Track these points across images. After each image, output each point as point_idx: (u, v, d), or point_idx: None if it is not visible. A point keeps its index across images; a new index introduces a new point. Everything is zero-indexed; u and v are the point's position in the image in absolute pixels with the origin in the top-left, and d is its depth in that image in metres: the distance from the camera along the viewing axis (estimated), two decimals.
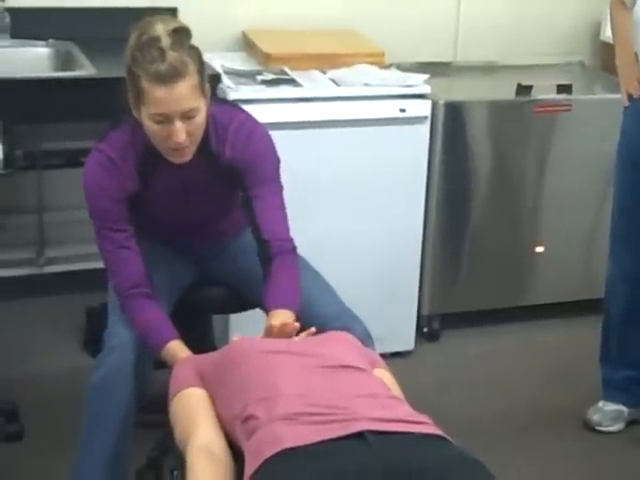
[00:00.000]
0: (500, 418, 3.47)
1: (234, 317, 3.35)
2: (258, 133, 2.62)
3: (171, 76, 2.31)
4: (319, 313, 2.61)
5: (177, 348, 2.49)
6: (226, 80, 3.47)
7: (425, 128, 3.65)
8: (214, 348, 2.78)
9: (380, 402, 2.01)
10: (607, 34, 4.09)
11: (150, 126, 2.40)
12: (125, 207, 2.56)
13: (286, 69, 3.61)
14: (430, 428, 1.94)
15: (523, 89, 3.85)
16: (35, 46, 3.67)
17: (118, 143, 2.54)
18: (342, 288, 2.77)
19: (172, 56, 2.31)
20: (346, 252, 3.63)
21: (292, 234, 2.63)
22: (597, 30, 4.47)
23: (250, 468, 1.85)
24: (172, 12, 3.69)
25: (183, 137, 2.39)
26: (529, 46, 4.40)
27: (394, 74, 3.75)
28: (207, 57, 2.55)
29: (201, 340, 2.87)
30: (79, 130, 3.26)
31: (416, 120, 3.62)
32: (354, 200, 3.61)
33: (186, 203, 2.65)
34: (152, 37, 2.33)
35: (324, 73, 3.66)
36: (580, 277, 4.13)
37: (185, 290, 2.82)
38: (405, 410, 2.02)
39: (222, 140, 2.56)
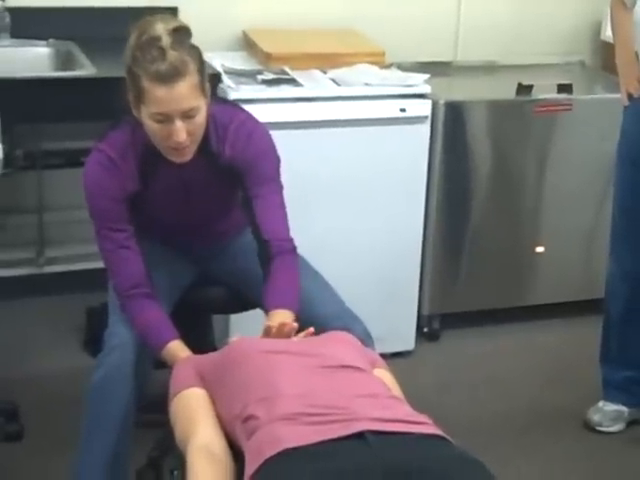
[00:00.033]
0: (500, 418, 3.47)
1: (234, 317, 3.35)
2: (258, 133, 2.62)
3: (171, 75, 2.31)
4: (319, 313, 2.61)
5: (177, 348, 2.49)
6: (226, 80, 3.47)
7: (425, 128, 3.65)
8: (214, 348, 2.78)
9: (380, 402, 2.01)
10: (607, 34, 4.09)
11: (150, 125, 2.40)
12: (125, 207, 2.55)
13: (286, 69, 3.61)
14: (430, 428, 1.94)
15: (523, 89, 3.85)
16: (35, 46, 3.67)
17: (118, 143, 2.54)
18: (342, 288, 2.77)
19: (172, 55, 2.31)
20: (346, 252, 3.63)
21: (292, 234, 2.63)
22: (597, 30, 4.47)
23: (250, 468, 1.85)
24: (172, 11, 3.68)
25: (183, 137, 2.39)
26: (529, 46, 4.39)
27: (394, 74, 3.75)
28: (207, 57, 2.55)
29: (201, 340, 2.87)
30: (79, 130, 3.26)
31: (416, 120, 3.62)
32: (354, 200, 3.61)
33: (186, 203, 2.65)
34: (152, 36, 2.33)
35: (324, 73, 3.66)
36: (580, 277, 4.13)
37: (185, 290, 2.82)
38: (405, 410, 2.02)
39: (222, 140, 2.56)
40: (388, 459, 1.81)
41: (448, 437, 1.93)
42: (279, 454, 1.81)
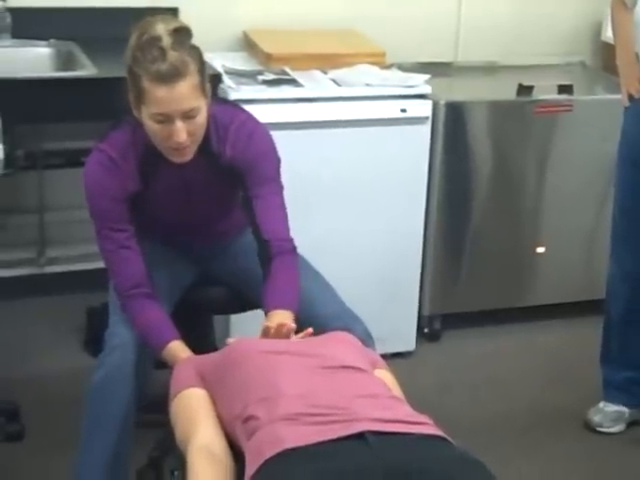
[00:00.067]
0: (501, 419, 3.47)
1: (235, 317, 3.35)
2: (259, 133, 2.62)
3: (172, 76, 2.31)
4: (319, 313, 2.61)
5: (178, 348, 2.49)
6: (227, 80, 3.47)
7: (426, 128, 3.66)
8: (215, 348, 2.78)
9: (381, 402, 2.01)
10: (608, 34, 4.09)
11: (151, 126, 2.40)
12: (126, 207, 2.56)
13: (287, 69, 3.61)
14: (431, 429, 1.94)
15: (524, 89, 3.85)
16: (36, 46, 3.67)
17: (119, 143, 2.54)
18: (343, 288, 2.77)
19: (173, 56, 2.31)
20: (347, 252, 3.63)
21: (293, 234, 2.63)
22: (598, 30, 4.47)
23: (251, 468, 1.85)
24: (173, 12, 3.68)
25: (184, 137, 2.39)
26: (530, 46, 4.40)
27: (395, 74, 3.75)
28: (208, 57, 2.55)
29: (202, 340, 2.87)
30: (80, 130, 3.26)
31: (417, 120, 3.62)
32: (355, 200, 3.61)
33: (187, 203, 2.65)
34: (153, 37, 2.33)
35: (325, 73, 3.66)
36: (581, 278, 4.13)
37: (186, 290, 2.82)
38: (406, 410, 2.02)
39: (223, 140, 2.56)
40: (388, 459, 1.81)
41: (449, 437, 1.93)
42: (279, 454, 1.81)
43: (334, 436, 1.85)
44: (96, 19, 3.73)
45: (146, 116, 2.39)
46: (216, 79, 3.38)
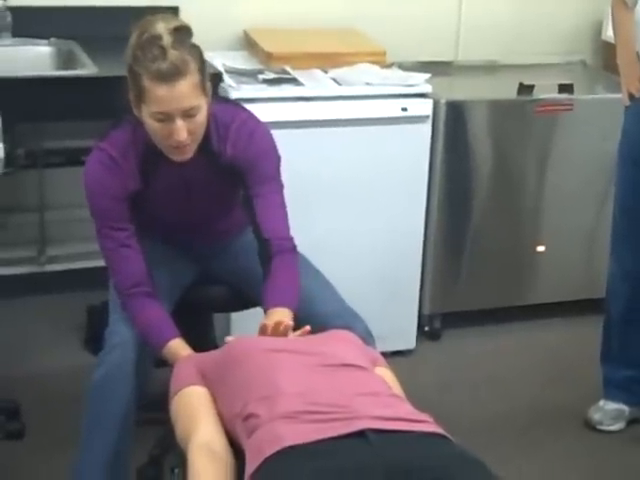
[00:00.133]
0: (501, 417, 3.47)
1: (235, 316, 3.35)
2: (259, 132, 2.62)
3: (172, 74, 2.31)
4: (320, 311, 2.61)
5: (178, 346, 2.49)
6: (227, 79, 3.47)
7: (426, 127, 3.66)
8: (215, 346, 2.77)
9: (381, 401, 2.01)
10: (609, 33, 4.09)
11: (151, 124, 2.40)
12: (126, 206, 2.56)
13: (287, 68, 3.61)
14: (431, 427, 1.94)
15: (524, 88, 3.85)
16: (37, 45, 3.67)
17: (119, 142, 2.54)
18: (343, 287, 2.77)
19: (173, 54, 2.31)
20: (347, 251, 3.63)
21: (293, 233, 2.63)
22: (599, 29, 4.47)
23: (251, 466, 1.85)
24: (174, 11, 3.68)
25: (184, 135, 2.39)
26: (531, 45, 4.40)
27: (396, 73, 3.75)
28: (208, 56, 2.56)
29: (202, 338, 2.87)
30: (80, 129, 3.26)
31: (417, 119, 3.62)
32: (355, 199, 3.61)
33: (187, 201, 2.65)
34: (153, 35, 2.33)
35: (325, 72, 3.66)
36: (581, 276, 4.13)
37: (186, 289, 2.82)
38: (406, 409, 2.02)
39: (223, 139, 2.56)
40: (389, 457, 1.81)
41: (449, 436, 1.93)
42: (279, 452, 1.82)
43: (334, 434, 1.85)
44: (96, 18, 3.73)
45: (146, 115, 2.39)
46: (217, 78, 3.38)
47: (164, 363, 2.51)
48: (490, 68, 4.28)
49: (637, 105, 3.21)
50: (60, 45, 3.66)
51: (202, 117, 2.42)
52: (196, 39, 2.41)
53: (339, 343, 2.25)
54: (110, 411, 2.50)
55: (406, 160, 3.65)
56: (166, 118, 2.37)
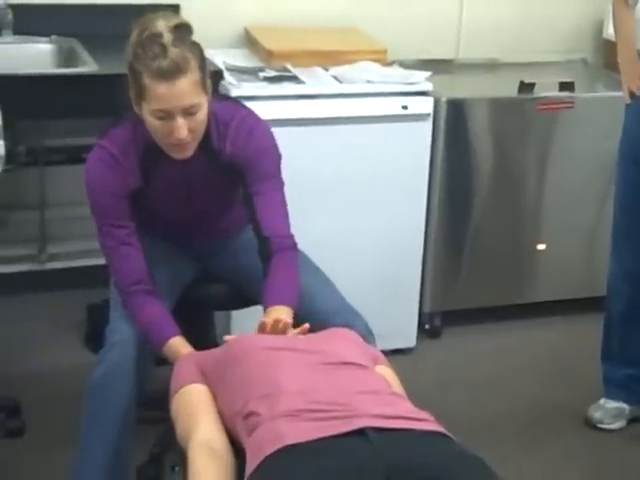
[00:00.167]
0: (501, 415, 3.47)
1: (235, 314, 3.35)
2: (259, 129, 2.62)
3: (172, 72, 2.31)
4: (320, 309, 2.61)
5: (179, 344, 2.49)
6: (228, 77, 3.47)
7: (427, 125, 3.65)
8: (216, 344, 2.78)
9: (382, 399, 2.01)
10: (610, 32, 4.09)
11: (151, 122, 2.40)
12: (127, 203, 2.56)
13: (288, 66, 3.61)
14: (431, 425, 1.94)
15: (525, 87, 3.85)
16: (38, 42, 3.67)
17: (120, 139, 2.54)
18: (344, 285, 2.77)
19: (173, 52, 2.31)
20: (348, 249, 3.63)
21: (294, 231, 2.63)
22: (600, 28, 4.46)
23: (251, 465, 1.85)
24: (174, 9, 3.68)
25: (185, 133, 2.39)
26: (531, 44, 4.39)
27: (396, 71, 3.75)
28: (209, 54, 2.55)
29: (203, 336, 2.87)
30: (81, 126, 3.26)
31: (418, 117, 3.62)
32: (356, 197, 3.61)
33: (187, 199, 2.65)
34: (153, 33, 2.33)
35: (326, 70, 3.66)
36: (582, 275, 4.13)
37: (187, 287, 2.82)
38: (406, 407, 2.02)
39: (223, 136, 2.56)
40: (389, 456, 1.81)
41: (449, 434, 1.93)
42: (279, 450, 1.81)
43: (335, 432, 1.85)
44: (97, 16, 3.73)
45: (147, 112, 2.39)
46: (217, 76, 3.38)
47: (164, 361, 2.51)
48: (491, 66, 4.28)
49: (638, 103, 3.21)
50: (61, 43, 3.66)
51: (202, 115, 2.42)
52: (197, 37, 2.41)
53: (339, 341, 2.25)
54: (110, 409, 2.50)
55: (407, 158, 3.65)
56: (166, 116, 2.37)
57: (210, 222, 2.77)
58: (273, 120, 2.78)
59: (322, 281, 2.75)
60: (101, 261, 2.66)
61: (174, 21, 2.38)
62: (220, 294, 2.90)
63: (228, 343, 2.27)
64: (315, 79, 3.57)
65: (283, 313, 2.43)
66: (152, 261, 2.60)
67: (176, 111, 2.35)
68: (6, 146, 2.78)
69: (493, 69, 4.27)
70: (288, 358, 2.12)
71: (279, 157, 2.64)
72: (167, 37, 2.31)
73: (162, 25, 2.33)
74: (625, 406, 3.44)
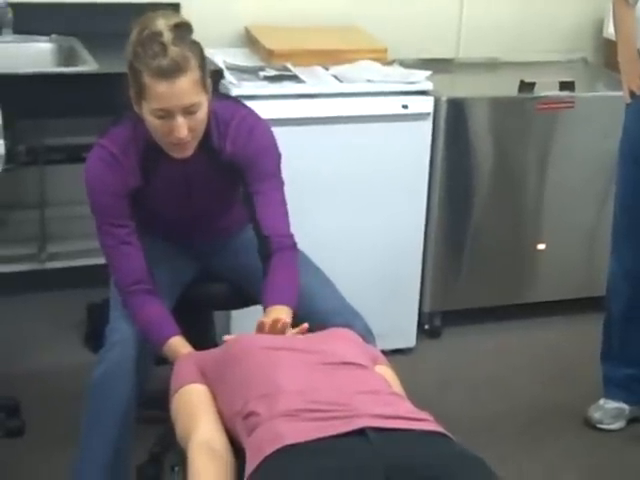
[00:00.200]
0: (501, 415, 3.47)
1: (235, 313, 3.35)
2: (260, 129, 2.62)
3: (172, 71, 2.30)
4: (319, 308, 2.61)
5: (179, 344, 2.49)
6: (228, 76, 3.47)
7: (427, 125, 3.65)
8: (215, 344, 2.78)
9: (381, 399, 2.01)
10: (610, 31, 4.08)
11: (151, 121, 2.40)
12: (127, 203, 2.55)
13: (289, 65, 3.61)
14: (431, 425, 1.94)
15: (526, 86, 3.85)
16: (38, 41, 3.67)
17: (120, 138, 2.54)
18: (343, 285, 2.77)
19: (174, 51, 2.30)
20: (348, 249, 3.63)
21: (293, 230, 2.63)
22: (600, 27, 4.46)
23: (251, 465, 1.85)
24: (175, 8, 3.67)
25: (185, 132, 2.39)
26: (532, 43, 4.39)
27: (397, 70, 3.75)
28: (209, 53, 2.55)
29: (202, 336, 2.87)
30: (81, 126, 3.26)
31: (418, 117, 3.62)
32: (356, 196, 3.61)
33: (187, 198, 2.65)
34: (154, 32, 2.33)
35: (327, 69, 3.66)
36: (582, 274, 4.13)
37: (186, 286, 2.82)
38: (406, 407, 2.01)
39: (223, 136, 2.56)
40: (389, 456, 1.81)
41: (449, 434, 1.93)
42: (279, 450, 1.81)
43: (334, 432, 1.85)
44: (97, 14, 3.73)
45: (147, 112, 2.39)
46: (217, 75, 3.38)
47: (164, 361, 2.51)
48: (491, 65, 4.28)
49: (638, 103, 3.20)
50: (61, 42, 3.66)
51: (202, 114, 2.42)
52: (197, 36, 2.41)
53: (339, 341, 2.25)
54: (110, 408, 2.50)
55: (407, 157, 3.64)
56: (166, 115, 2.36)
57: (210, 221, 2.77)
58: (273, 119, 2.78)
59: (322, 281, 2.75)
60: (101, 260, 2.66)
61: (174, 20, 2.38)
62: (220, 293, 2.90)
63: (227, 343, 2.27)
64: (315, 78, 3.57)
65: (282, 313, 2.43)
66: (152, 260, 2.59)
67: (176, 110, 2.35)
68: (6, 145, 2.77)
69: (493, 68, 4.27)
70: (287, 358, 2.12)
71: (279, 156, 2.64)
72: (167, 36, 2.31)
73: (162, 24, 2.33)
74: (625, 406, 3.44)
